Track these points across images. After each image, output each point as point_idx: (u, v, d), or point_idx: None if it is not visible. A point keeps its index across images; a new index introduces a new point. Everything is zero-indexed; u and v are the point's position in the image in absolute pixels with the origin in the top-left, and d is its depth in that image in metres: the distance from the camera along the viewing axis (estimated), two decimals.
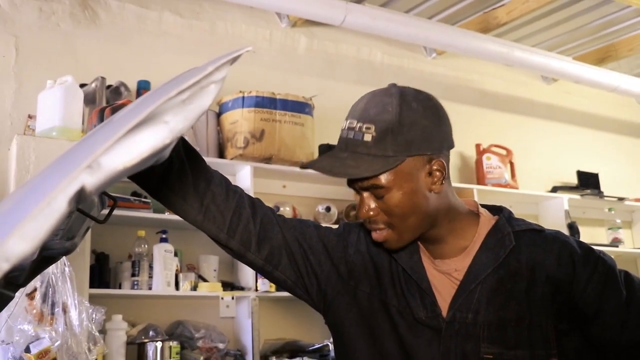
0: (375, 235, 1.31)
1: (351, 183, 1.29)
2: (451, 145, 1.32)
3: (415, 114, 1.25)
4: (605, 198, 4.79)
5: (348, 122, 1.28)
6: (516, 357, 1.25)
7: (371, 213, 1.27)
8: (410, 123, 1.24)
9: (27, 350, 2.47)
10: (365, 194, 1.27)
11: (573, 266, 1.28)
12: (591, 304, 1.27)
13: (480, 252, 1.31)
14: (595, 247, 1.34)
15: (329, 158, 1.30)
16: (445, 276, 1.33)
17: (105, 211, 1.36)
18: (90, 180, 0.81)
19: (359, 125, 1.25)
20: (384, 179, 1.23)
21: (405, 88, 1.30)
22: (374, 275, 1.39)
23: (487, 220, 1.36)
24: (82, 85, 2.98)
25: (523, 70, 4.64)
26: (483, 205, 1.41)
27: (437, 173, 1.26)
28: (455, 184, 4.17)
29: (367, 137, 1.23)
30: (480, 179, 4.34)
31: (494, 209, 1.41)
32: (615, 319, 1.28)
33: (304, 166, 1.31)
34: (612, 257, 1.35)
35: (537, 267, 1.29)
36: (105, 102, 3.07)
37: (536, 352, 1.26)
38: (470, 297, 1.29)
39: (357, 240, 1.41)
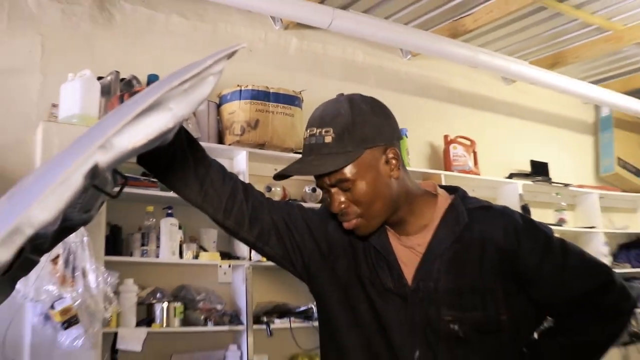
0: (347, 225, 1.31)
1: (321, 183, 1.29)
2: (400, 137, 1.34)
3: (365, 113, 1.26)
4: (553, 184, 4.84)
5: (309, 130, 1.28)
6: (471, 318, 1.27)
7: (342, 206, 1.28)
8: (362, 121, 1.25)
9: (52, 307, 2.48)
10: (334, 190, 1.28)
11: (517, 237, 1.30)
12: (532, 269, 1.29)
13: (439, 228, 1.32)
14: (535, 220, 1.37)
15: (297, 163, 1.30)
16: (410, 250, 1.34)
17: (117, 188, 1.36)
18: (103, 158, 0.81)
19: (318, 130, 1.25)
20: (348, 172, 1.24)
21: (352, 94, 1.31)
22: (350, 251, 1.39)
23: (444, 200, 1.37)
24: (99, 78, 2.97)
25: (486, 71, 4.66)
26: (441, 186, 1.42)
27: (393, 160, 1.27)
28: (425, 169, 4.21)
29: (328, 139, 1.24)
30: (447, 166, 4.35)
31: (450, 189, 1.42)
32: (552, 281, 1.30)
33: (276, 176, 1.31)
34: (551, 228, 1.37)
35: (487, 240, 1.30)
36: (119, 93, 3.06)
37: (488, 313, 1.28)
38: (431, 269, 1.30)
39: (337, 220, 1.41)
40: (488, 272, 1.29)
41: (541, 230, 1.33)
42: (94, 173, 0.80)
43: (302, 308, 3.43)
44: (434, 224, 1.33)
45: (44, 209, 0.76)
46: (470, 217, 1.32)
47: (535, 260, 1.29)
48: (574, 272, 1.30)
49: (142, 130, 0.84)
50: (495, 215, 1.34)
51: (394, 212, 1.31)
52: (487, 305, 1.28)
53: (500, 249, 1.29)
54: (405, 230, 1.35)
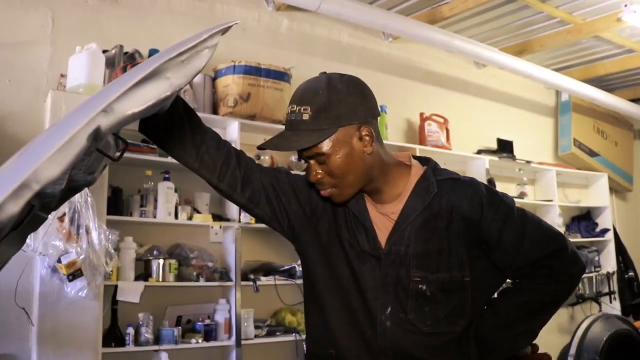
0: (323, 193, 1.32)
1: (300, 154, 1.30)
2: (377, 114, 1.33)
3: (341, 92, 1.25)
4: (517, 160, 4.87)
5: (290, 107, 1.28)
6: (438, 279, 1.30)
7: (318, 177, 1.29)
8: (338, 100, 1.25)
9: (59, 261, 2.48)
10: (312, 162, 1.29)
11: (481, 207, 1.31)
12: (494, 236, 1.31)
13: (411, 198, 1.34)
14: (499, 191, 1.38)
15: (277, 137, 1.30)
16: (384, 217, 1.36)
17: (119, 153, 1.35)
18: (105, 121, 0.81)
19: (298, 108, 1.26)
20: (323, 147, 1.25)
21: (332, 74, 1.31)
22: (332, 214, 1.40)
23: (417, 171, 1.38)
24: (104, 51, 2.93)
25: (460, 56, 4.64)
26: (415, 157, 1.43)
27: (367, 138, 1.27)
28: (401, 143, 4.22)
29: (305, 117, 1.24)
30: (422, 141, 4.36)
31: (424, 160, 1.43)
32: (512, 247, 1.32)
33: (259, 147, 1.32)
34: (513, 199, 1.39)
35: (454, 209, 1.32)
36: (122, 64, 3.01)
37: (453, 274, 1.31)
38: (402, 234, 1.32)
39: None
40: (454, 238, 1.31)
41: (503, 201, 1.34)
42: (97, 135, 0.80)
43: (286, 267, 3.45)
44: (406, 193, 1.34)
45: (50, 167, 0.75)
46: (440, 188, 1.33)
47: (496, 229, 1.31)
48: (532, 240, 1.32)
49: (141, 97, 0.84)
50: (463, 186, 1.35)
51: (369, 182, 1.32)
52: (452, 267, 1.31)
53: (466, 218, 1.31)
54: (381, 198, 1.36)
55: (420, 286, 1.30)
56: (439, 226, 1.31)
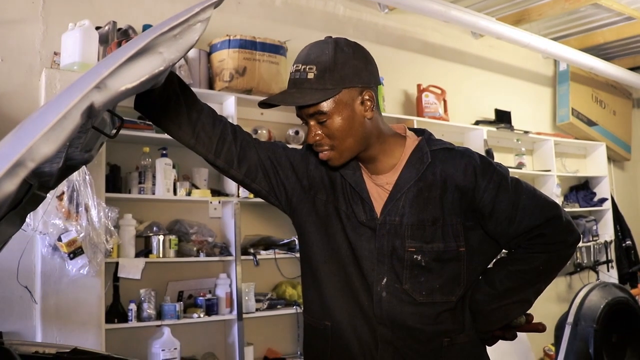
0: (321, 155, 1.33)
1: (300, 114, 1.30)
2: (378, 82, 1.34)
3: (347, 55, 1.27)
4: (515, 131, 4.86)
5: (295, 66, 1.29)
6: (433, 249, 1.31)
7: (317, 138, 1.30)
8: (343, 62, 1.26)
9: (59, 239, 2.49)
10: (312, 122, 1.29)
11: (475, 177, 1.32)
12: (487, 205, 1.32)
13: (405, 168, 1.35)
14: (493, 161, 1.38)
15: (281, 94, 1.30)
16: (380, 188, 1.37)
17: (115, 130, 1.35)
18: (99, 98, 0.80)
19: (303, 67, 1.26)
20: (326, 106, 1.26)
21: (338, 38, 1.31)
22: (329, 186, 1.41)
23: (412, 142, 1.38)
24: (97, 28, 2.88)
25: (457, 26, 4.58)
26: (410, 129, 1.43)
27: (368, 102, 1.29)
28: (399, 115, 4.20)
29: (310, 75, 1.25)
30: (419, 112, 4.34)
31: (419, 132, 1.43)
32: (505, 216, 1.32)
33: (261, 104, 1.31)
34: (507, 168, 1.39)
35: (448, 178, 1.33)
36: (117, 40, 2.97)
37: (448, 244, 1.32)
38: (397, 204, 1.33)
39: (316, 159, 1.41)
40: (448, 208, 1.32)
41: (497, 170, 1.34)
42: (91, 111, 0.79)
43: (286, 240, 3.47)
44: (401, 164, 1.35)
45: (44, 144, 0.75)
46: (434, 158, 1.34)
47: (490, 198, 1.32)
48: (525, 209, 1.32)
49: (134, 72, 0.83)
50: (456, 156, 1.35)
51: (366, 149, 1.33)
52: (447, 237, 1.32)
53: (460, 187, 1.32)
54: (377, 168, 1.37)
55: (415, 256, 1.31)
56: (433, 196, 1.32)
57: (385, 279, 1.32)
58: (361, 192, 1.36)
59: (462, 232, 1.32)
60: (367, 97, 1.28)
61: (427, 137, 1.40)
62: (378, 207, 1.35)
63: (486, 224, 1.34)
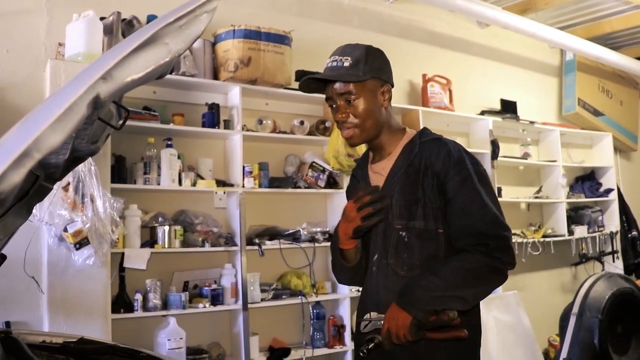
0: (345, 133, 1.60)
1: (331, 94, 1.57)
2: (393, 84, 1.63)
3: (375, 55, 1.59)
4: (520, 121, 4.84)
5: (332, 57, 1.58)
6: (414, 226, 1.53)
7: (343, 115, 1.57)
8: (374, 58, 1.57)
9: (65, 230, 2.50)
10: (341, 102, 1.57)
11: (447, 166, 1.52)
12: (449, 192, 1.52)
13: (399, 157, 1.61)
14: (468, 158, 1.54)
15: (322, 73, 1.57)
16: (378, 174, 1.65)
17: (121, 121, 1.35)
18: (105, 89, 0.80)
19: (339, 57, 1.56)
20: (356, 88, 1.55)
21: (368, 44, 1.61)
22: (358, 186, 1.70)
23: (409, 135, 1.65)
24: (101, 19, 2.88)
25: (462, 15, 4.55)
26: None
27: (387, 95, 1.60)
28: (404, 105, 4.19)
29: (346, 64, 1.55)
30: (425, 102, 4.33)
31: (420, 130, 1.69)
32: (459, 209, 1.50)
33: (301, 86, 1.61)
34: (486, 173, 1.56)
35: (428, 165, 1.55)
36: (120, 33, 2.97)
37: (428, 224, 1.53)
38: (390, 188, 1.58)
39: (351, 183, 1.82)
40: (428, 191, 1.53)
41: (467, 168, 1.52)
42: (97, 102, 0.79)
43: (291, 230, 3.48)
44: (396, 153, 1.62)
45: (50, 135, 0.75)
46: (421, 148, 1.58)
47: (452, 188, 1.51)
48: (479, 213, 1.47)
49: (140, 63, 0.83)
50: (439, 145, 1.57)
51: (378, 134, 1.61)
52: (428, 217, 1.53)
53: (436, 173, 1.53)
54: (379, 155, 1.66)
55: (400, 233, 1.54)
56: (416, 180, 1.54)
57: (376, 255, 1.59)
58: (366, 183, 1.67)
59: (440, 216, 1.52)
60: (386, 90, 1.59)
61: (422, 131, 1.65)
62: None
63: (447, 212, 1.52)
